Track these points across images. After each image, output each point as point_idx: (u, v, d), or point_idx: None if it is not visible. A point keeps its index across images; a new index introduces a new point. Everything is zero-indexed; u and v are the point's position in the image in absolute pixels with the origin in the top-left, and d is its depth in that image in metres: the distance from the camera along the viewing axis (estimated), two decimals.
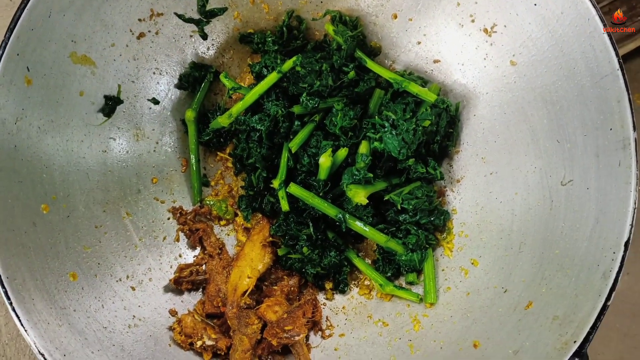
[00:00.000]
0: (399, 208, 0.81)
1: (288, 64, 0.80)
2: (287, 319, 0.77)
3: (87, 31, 0.75)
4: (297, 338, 0.77)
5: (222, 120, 0.83)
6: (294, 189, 0.80)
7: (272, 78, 0.81)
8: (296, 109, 0.81)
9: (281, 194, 0.82)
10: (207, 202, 0.89)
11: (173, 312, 0.80)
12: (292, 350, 0.79)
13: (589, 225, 0.68)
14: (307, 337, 0.81)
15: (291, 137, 0.83)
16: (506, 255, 0.76)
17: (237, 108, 0.82)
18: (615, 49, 0.66)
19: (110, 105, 0.81)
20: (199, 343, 0.76)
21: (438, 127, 0.81)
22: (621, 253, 0.64)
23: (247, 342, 0.76)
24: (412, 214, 0.81)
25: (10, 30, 0.67)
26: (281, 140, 0.84)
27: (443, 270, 0.82)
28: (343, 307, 0.84)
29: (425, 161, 0.82)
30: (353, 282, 0.86)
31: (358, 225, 0.80)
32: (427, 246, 0.82)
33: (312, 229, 0.82)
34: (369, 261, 0.87)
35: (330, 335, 0.82)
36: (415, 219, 0.81)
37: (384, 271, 0.84)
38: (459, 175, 0.84)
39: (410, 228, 0.81)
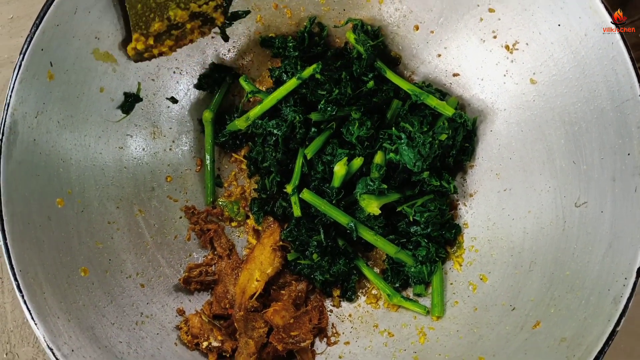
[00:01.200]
0: (411, 220, 0.81)
1: (308, 71, 0.80)
2: (294, 325, 0.78)
3: (111, 29, 0.75)
4: (302, 344, 0.77)
5: (239, 123, 0.83)
6: (307, 195, 0.80)
7: (291, 84, 0.81)
8: (313, 116, 0.82)
9: (294, 199, 0.82)
10: (220, 203, 0.89)
11: (181, 312, 0.81)
12: (297, 356, 0.79)
13: (602, 248, 0.68)
14: (312, 344, 0.81)
15: (307, 143, 0.83)
16: (516, 273, 0.76)
17: (255, 112, 0.83)
18: (637, 75, 0.66)
19: (130, 102, 0.81)
20: (205, 344, 0.77)
21: (454, 141, 0.81)
22: (633, 279, 0.64)
23: (253, 345, 0.76)
24: (424, 227, 0.81)
25: (36, 25, 0.67)
26: (297, 145, 0.84)
27: (451, 284, 0.82)
28: (349, 315, 0.85)
29: (440, 174, 0.82)
30: (360, 291, 0.86)
31: (369, 235, 0.81)
32: (437, 259, 0.82)
33: (322, 236, 0.82)
34: (378, 270, 0.87)
35: (335, 343, 0.82)
36: (427, 232, 0.81)
37: (392, 282, 0.84)
38: (472, 190, 0.84)
39: (420, 240, 0.81)
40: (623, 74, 0.67)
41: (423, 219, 0.80)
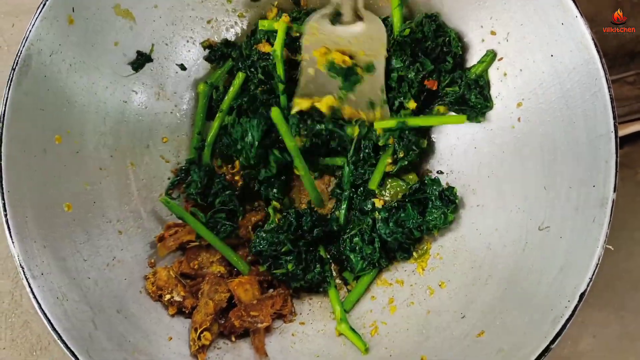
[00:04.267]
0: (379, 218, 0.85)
1: None
2: (256, 305, 0.81)
3: None
4: (259, 325, 0.81)
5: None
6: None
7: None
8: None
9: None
10: None
11: (152, 264, 0.85)
12: (250, 334, 0.82)
13: (554, 272, 0.70)
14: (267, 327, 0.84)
15: None
16: (472, 285, 0.79)
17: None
18: (614, 112, 0.69)
19: (140, 61, 0.86)
20: (167, 297, 0.80)
21: None
22: (575, 303, 0.66)
23: (212, 306, 0.80)
24: (388, 234, 0.85)
25: None
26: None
27: (411, 285, 0.85)
28: (310, 298, 0.88)
29: None
30: None
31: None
32: (375, 266, 0.86)
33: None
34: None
35: (291, 321, 0.85)
36: (387, 239, 0.85)
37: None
38: None
39: (375, 239, 0.85)
40: (601, 110, 0.70)
41: (388, 230, 0.84)
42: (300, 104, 0.86)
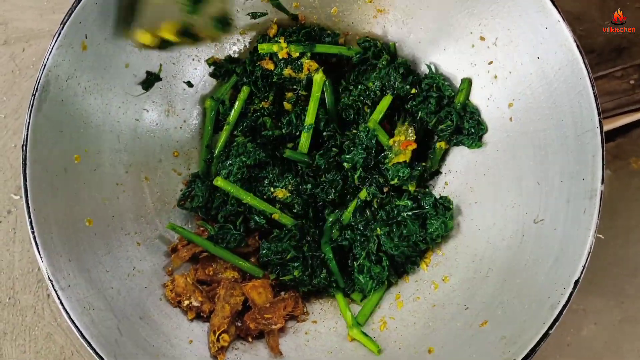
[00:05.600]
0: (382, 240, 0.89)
1: None
2: (269, 308, 0.85)
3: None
4: (273, 327, 0.85)
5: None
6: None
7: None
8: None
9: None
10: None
11: (169, 272, 0.89)
12: (265, 335, 0.87)
13: (550, 262, 0.74)
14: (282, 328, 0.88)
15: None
16: (474, 278, 0.83)
17: None
18: (598, 109, 0.73)
19: (150, 80, 0.91)
20: (186, 303, 0.85)
21: None
22: (570, 289, 0.71)
23: (229, 310, 0.84)
24: (394, 248, 0.88)
25: (78, 1, 0.78)
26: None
27: (416, 281, 0.89)
28: (320, 299, 0.92)
29: None
30: None
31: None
32: (384, 283, 0.89)
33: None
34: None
35: (303, 320, 0.90)
36: (393, 253, 0.88)
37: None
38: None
39: (383, 258, 0.88)
40: (586, 107, 0.74)
41: (393, 244, 0.88)
42: (142, 37, 0.83)
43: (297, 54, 0.90)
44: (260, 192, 0.93)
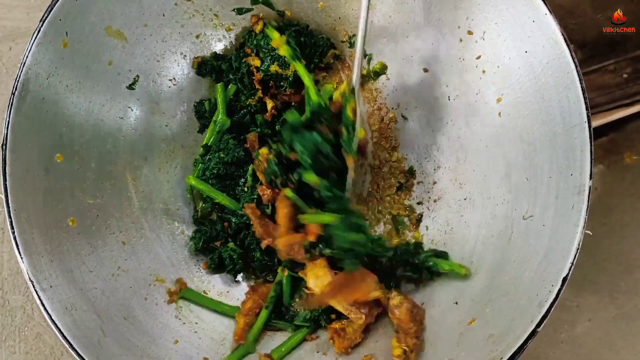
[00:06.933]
0: None
1: None
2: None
3: (125, 10, 0.85)
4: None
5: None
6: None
7: None
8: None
9: None
10: None
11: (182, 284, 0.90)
12: None
13: (538, 258, 0.73)
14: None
15: None
16: (462, 275, 0.82)
17: None
18: (586, 102, 0.72)
19: (134, 78, 0.90)
20: None
21: None
22: (558, 287, 0.69)
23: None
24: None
25: None
26: None
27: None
28: None
29: None
30: None
31: None
32: None
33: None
34: None
35: None
36: None
37: None
38: (436, 196, 0.91)
39: None
40: (574, 101, 0.73)
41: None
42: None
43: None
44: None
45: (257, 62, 0.91)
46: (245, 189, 0.92)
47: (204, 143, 0.95)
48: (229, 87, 0.94)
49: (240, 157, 0.92)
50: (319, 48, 0.94)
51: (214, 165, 0.91)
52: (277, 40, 0.89)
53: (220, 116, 0.94)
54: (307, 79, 0.86)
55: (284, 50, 0.89)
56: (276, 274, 0.90)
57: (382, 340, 0.83)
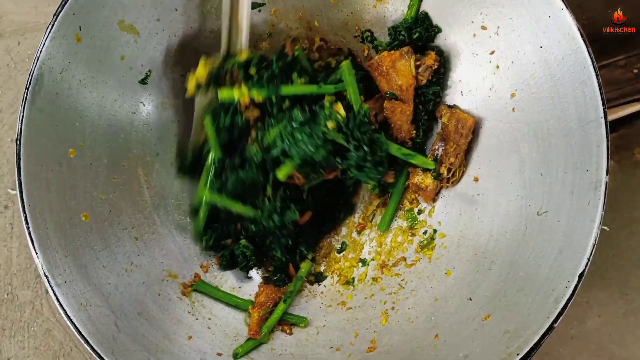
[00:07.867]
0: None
1: None
2: None
3: (137, 4, 0.84)
4: None
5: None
6: None
7: None
8: None
9: None
10: None
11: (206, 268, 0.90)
12: None
13: (554, 254, 0.73)
14: None
15: None
16: (477, 271, 0.82)
17: None
18: (602, 98, 0.72)
19: (146, 73, 0.89)
20: None
21: None
22: (575, 282, 0.70)
23: None
24: None
25: None
26: None
27: (418, 274, 0.88)
28: (321, 292, 0.91)
29: None
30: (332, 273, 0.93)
31: None
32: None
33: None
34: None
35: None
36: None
37: None
38: (450, 190, 0.90)
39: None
40: (590, 96, 0.73)
41: None
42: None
43: (261, 99, 0.87)
44: None
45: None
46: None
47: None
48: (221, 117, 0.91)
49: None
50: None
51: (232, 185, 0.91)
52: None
53: (214, 154, 0.91)
54: None
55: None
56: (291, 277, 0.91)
57: None
